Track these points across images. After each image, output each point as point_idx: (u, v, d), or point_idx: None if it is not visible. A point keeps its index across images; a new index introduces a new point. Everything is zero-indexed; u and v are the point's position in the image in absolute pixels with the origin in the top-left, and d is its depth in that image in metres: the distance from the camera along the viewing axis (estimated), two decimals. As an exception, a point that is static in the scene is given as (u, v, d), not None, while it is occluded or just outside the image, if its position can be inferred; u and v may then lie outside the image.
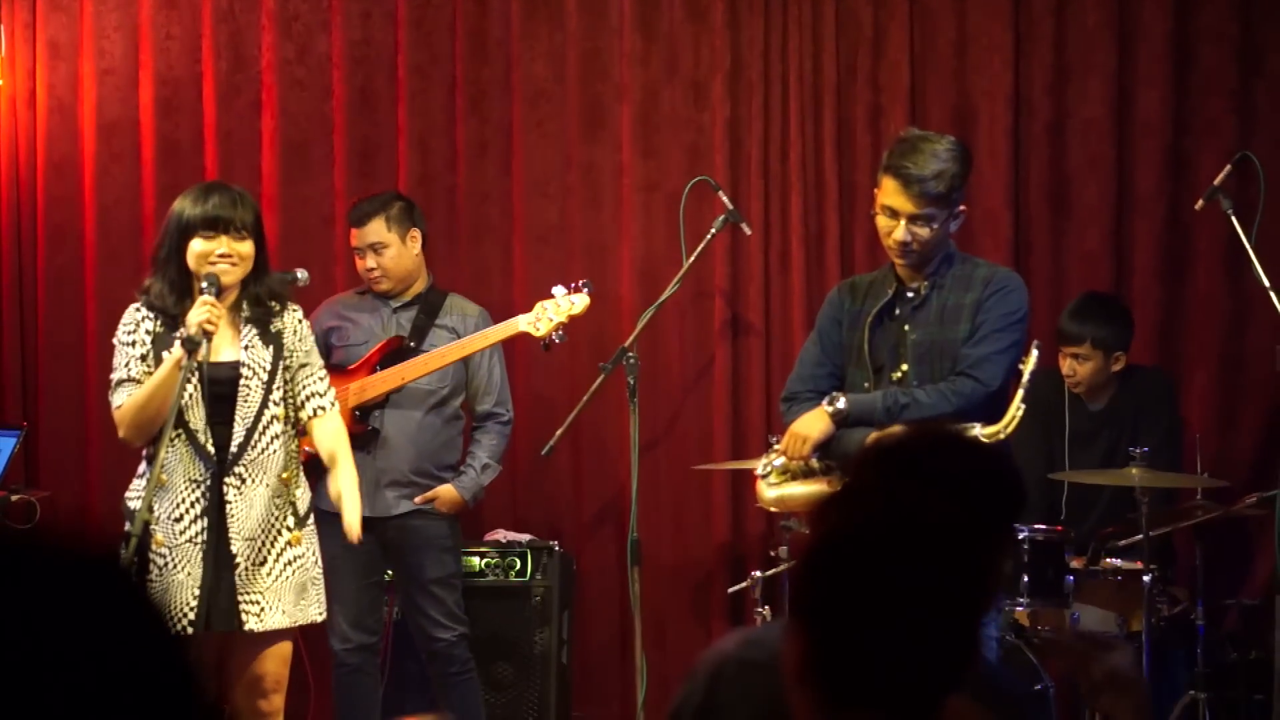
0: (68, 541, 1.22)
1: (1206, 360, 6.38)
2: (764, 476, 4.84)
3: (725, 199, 6.35)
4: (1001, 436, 4.45)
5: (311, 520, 4.84)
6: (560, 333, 5.67)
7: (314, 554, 4.81)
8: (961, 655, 1.98)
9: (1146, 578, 5.28)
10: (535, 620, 6.21)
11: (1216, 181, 5.86)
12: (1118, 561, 5.53)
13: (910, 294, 4.71)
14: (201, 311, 4.55)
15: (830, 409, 4.63)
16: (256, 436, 4.70)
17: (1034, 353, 4.54)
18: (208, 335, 4.57)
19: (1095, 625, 5.45)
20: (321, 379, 4.88)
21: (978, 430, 4.46)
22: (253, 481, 4.69)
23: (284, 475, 4.75)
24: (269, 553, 4.69)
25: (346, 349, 5.94)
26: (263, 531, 4.69)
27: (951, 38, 6.51)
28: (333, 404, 4.91)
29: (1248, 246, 5.77)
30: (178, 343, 4.59)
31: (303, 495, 4.82)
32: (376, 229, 5.91)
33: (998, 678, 2.69)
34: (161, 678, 1.21)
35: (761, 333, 6.58)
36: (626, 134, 6.64)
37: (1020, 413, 4.48)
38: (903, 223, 4.60)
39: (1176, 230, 6.38)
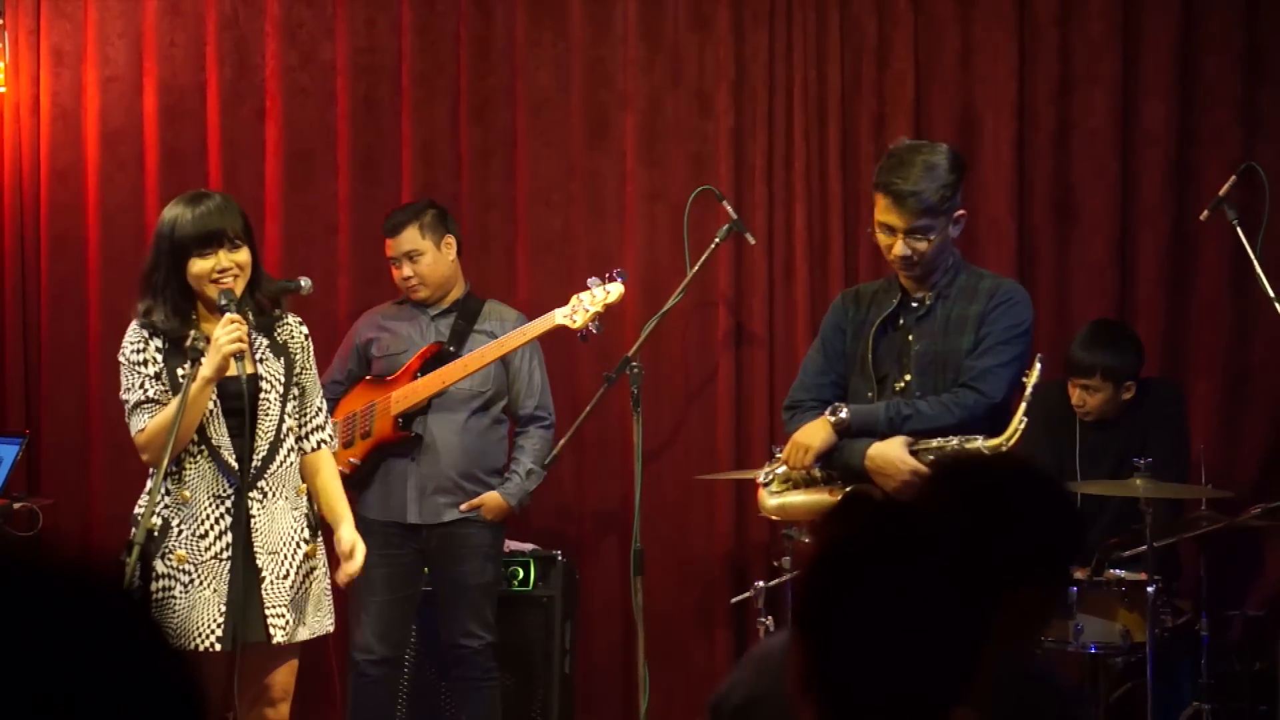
0: (70, 555, 1.22)
1: (1211, 371, 6.36)
2: (766, 485, 4.84)
3: (729, 208, 6.35)
4: (1004, 449, 4.44)
5: (320, 532, 4.81)
6: (597, 323, 5.67)
7: (325, 565, 4.80)
8: (964, 670, 1.98)
9: (1151, 589, 5.27)
10: (538, 629, 6.20)
11: (1221, 192, 5.86)
12: (1122, 572, 5.51)
13: (915, 304, 4.70)
14: (232, 330, 4.49)
15: (833, 419, 4.63)
16: (279, 450, 4.68)
17: (1038, 366, 4.53)
18: (240, 354, 4.53)
19: (1099, 637, 5.44)
20: (324, 410, 4.85)
21: (980, 443, 4.46)
22: (274, 495, 4.66)
23: (299, 488, 4.74)
24: (291, 565, 4.67)
25: (387, 359, 5.95)
26: (284, 544, 4.66)
27: (956, 48, 6.51)
28: (332, 437, 4.90)
29: (1253, 257, 5.77)
30: (204, 360, 4.52)
31: (310, 507, 4.79)
32: (411, 237, 5.90)
33: (1048, 678, 2.69)
34: (162, 692, 1.20)
35: (765, 342, 6.57)
36: (630, 143, 6.64)
37: (1023, 426, 4.47)
38: (900, 238, 4.59)
39: (1181, 241, 6.37)
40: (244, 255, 4.61)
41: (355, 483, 5.88)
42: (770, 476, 4.82)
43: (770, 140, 6.58)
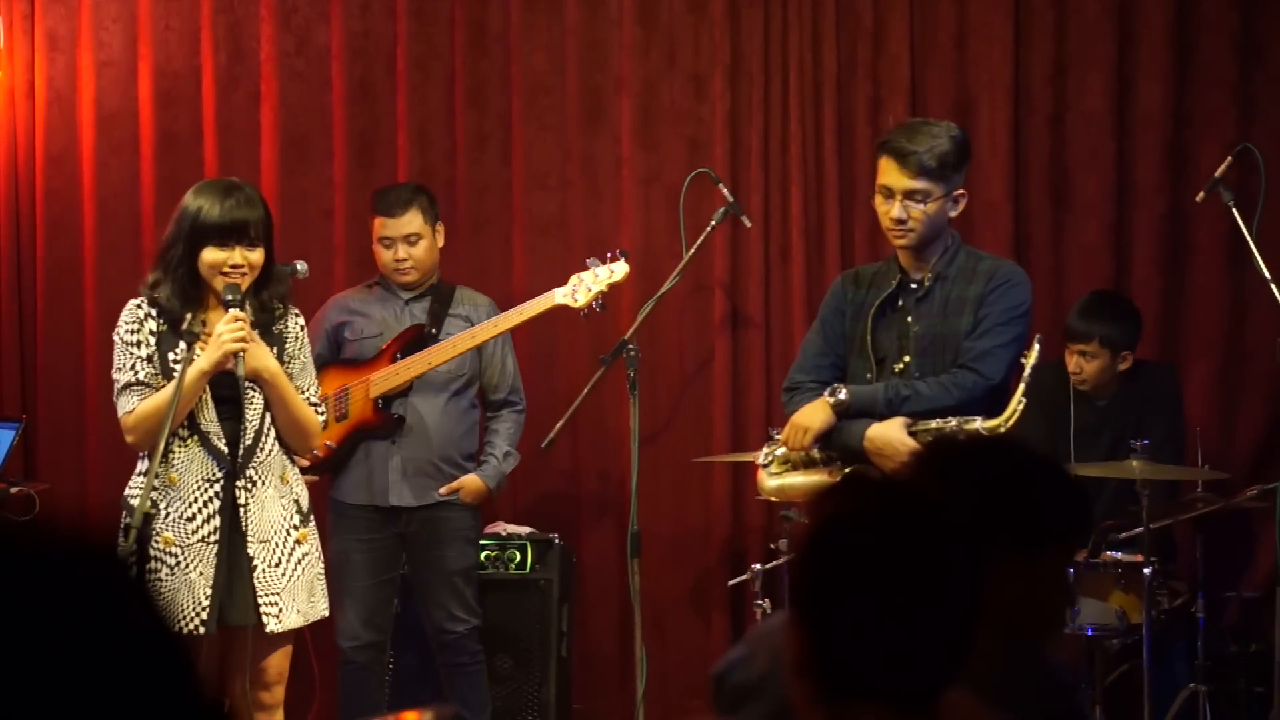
0: (67, 534, 1.22)
1: (1207, 352, 6.37)
2: (765, 466, 4.85)
3: (725, 191, 6.35)
4: (1002, 430, 4.45)
5: (313, 519, 4.83)
6: (599, 302, 5.66)
7: (318, 550, 4.82)
8: (957, 649, 1.98)
9: (1147, 570, 5.28)
10: (535, 613, 6.21)
11: (1217, 173, 5.86)
12: (1118, 554, 5.52)
13: (914, 285, 4.71)
14: (236, 329, 4.53)
15: (832, 400, 4.63)
16: (264, 439, 4.69)
17: (1036, 347, 4.54)
18: (241, 353, 4.55)
19: (1095, 619, 5.45)
20: (312, 395, 4.83)
21: (979, 424, 4.47)
22: (263, 483, 4.67)
23: (285, 474, 4.74)
24: (282, 553, 4.68)
25: (360, 342, 5.90)
26: (275, 532, 4.68)
27: (951, 30, 6.50)
28: (322, 414, 4.90)
29: (1248, 238, 5.77)
30: (201, 351, 4.55)
31: (303, 492, 4.81)
32: (413, 220, 5.86)
33: (1052, 668, 2.69)
34: (159, 671, 1.20)
35: (761, 325, 6.57)
36: (626, 126, 6.63)
37: (1021, 407, 4.48)
38: (898, 199, 4.61)
39: (1177, 222, 6.37)
40: (258, 255, 4.63)
41: (331, 466, 5.86)
42: (769, 458, 4.83)
43: (766, 123, 6.57)
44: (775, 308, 6.58)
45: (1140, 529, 5.36)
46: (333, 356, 5.93)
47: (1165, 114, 6.37)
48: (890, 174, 4.63)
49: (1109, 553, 5.54)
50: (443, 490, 5.82)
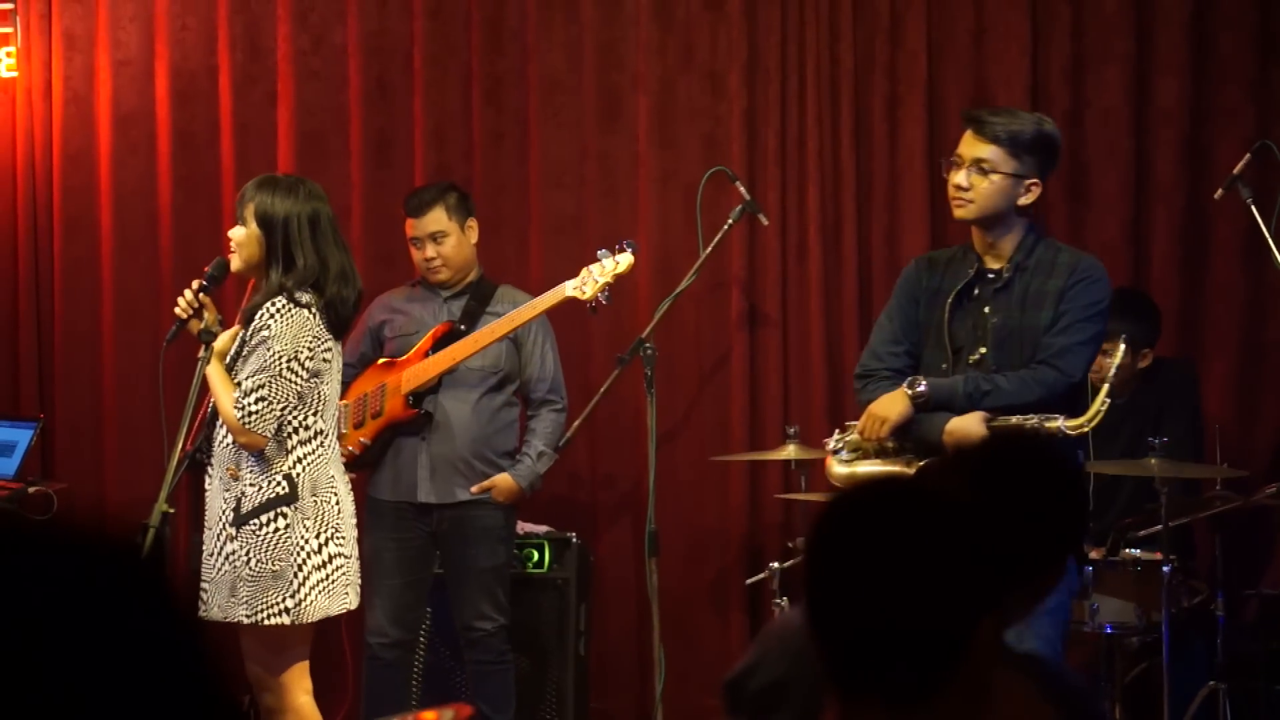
0: (87, 532, 1.21)
1: (1226, 350, 6.35)
2: (835, 453, 4.78)
3: (742, 189, 6.34)
4: (1086, 430, 4.41)
5: (256, 521, 4.72)
6: (606, 294, 5.64)
7: (248, 554, 4.69)
8: (947, 648, 1.94)
9: (1166, 568, 5.26)
10: (553, 611, 6.20)
11: (1236, 170, 5.84)
12: (1137, 552, 5.51)
13: (991, 275, 4.65)
14: (180, 299, 4.83)
15: (911, 392, 4.57)
16: (216, 429, 4.79)
17: (1122, 347, 4.52)
18: (179, 320, 4.80)
19: (1115, 617, 5.44)
20: (247, 391, 4.70)
21: (1060, 423, 4.39)
22: (214, 472, 4.79)
23: (229, 468, 4.75)
24: (214, 545, 4.75)
25: (399, 339, 5.93)
26: (215, 522, 4.76)
27: (969, 27, 6.49)
28: (240, 411, 4.69)
29: (1267, 235, 5.75)
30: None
31: (250, 493, 4.72)
32: (437, 218, 5.87)
33: (1062, 673, 2.68)
34: (179, 667, 1.20)
35: (779, 323, 6.56)
36: (643, 124, 6.63)
37: (1105, 407, 4.43)
38: (965, 166, 4.60)
39: (1195, 219, 6.35)
40: (237, 233, 4.82)
41: (366, 463, 5.87)
42: (840, 444, 4.77)
43: (783, 121, 6.56)
44: (792, 306, 6.57)
45: (1159, 527, 5.34)
46: (375, 354, 5.97)
47: (1183, 110, 6.35)
48: (964, 142, 4.64)
49: (1128, 551, 5.53)
50: (474, 489, 5.81)
